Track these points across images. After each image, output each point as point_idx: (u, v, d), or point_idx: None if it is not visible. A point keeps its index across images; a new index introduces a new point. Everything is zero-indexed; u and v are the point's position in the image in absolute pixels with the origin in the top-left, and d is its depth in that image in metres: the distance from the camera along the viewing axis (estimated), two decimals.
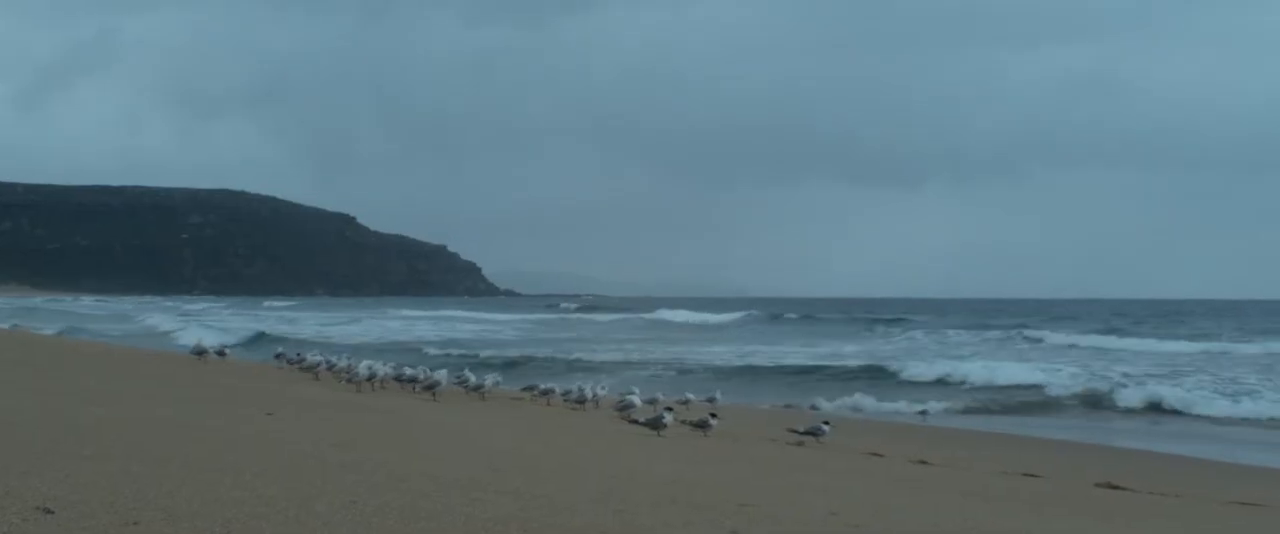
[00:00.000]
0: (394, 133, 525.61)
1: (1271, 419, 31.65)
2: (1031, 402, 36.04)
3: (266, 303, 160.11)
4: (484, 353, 50.84)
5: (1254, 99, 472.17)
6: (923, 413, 32.99)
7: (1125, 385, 37.43)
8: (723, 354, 53.82)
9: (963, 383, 40.21)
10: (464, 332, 77.79)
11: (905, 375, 43.00)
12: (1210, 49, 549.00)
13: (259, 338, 56.57)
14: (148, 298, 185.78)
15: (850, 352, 55.78)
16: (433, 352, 50.62)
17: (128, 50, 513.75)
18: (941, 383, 40.54)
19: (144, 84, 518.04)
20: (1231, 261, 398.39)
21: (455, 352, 51.77)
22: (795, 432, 19.15)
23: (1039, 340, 67.04)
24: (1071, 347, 61.62)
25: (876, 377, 42.78)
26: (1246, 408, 33.10)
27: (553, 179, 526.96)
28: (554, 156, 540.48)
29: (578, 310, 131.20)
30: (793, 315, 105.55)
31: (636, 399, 21.71)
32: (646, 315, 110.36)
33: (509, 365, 33.99)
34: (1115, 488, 15.65)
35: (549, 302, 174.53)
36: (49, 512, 7.23)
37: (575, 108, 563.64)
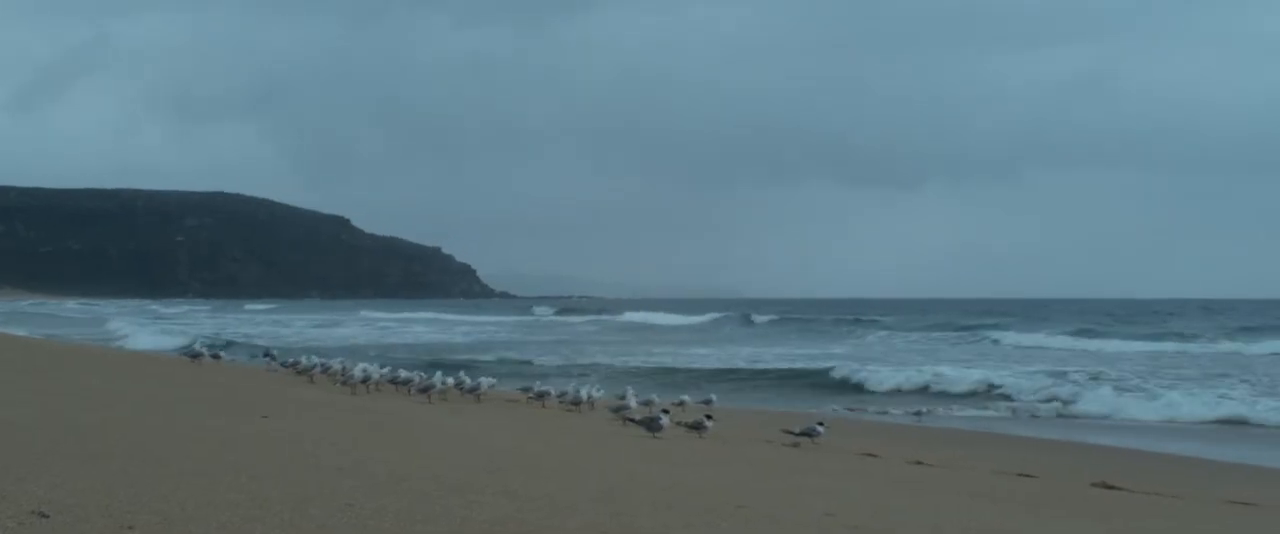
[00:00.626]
0: (389, 135, 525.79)
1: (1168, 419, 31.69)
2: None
3: (247, 306, 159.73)
4: (427, 356, 49.73)
5: (1253, 100, 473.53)
6: (918, 413, 32.97)
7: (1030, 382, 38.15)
8: (661, 356, 53.49)
9: (898, 390, 39.58)
10: (423, 335, 77.10)
11: (838, 374, 42.89)
12: (1209, 50, 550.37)
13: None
14: (135, 301, 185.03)
15: (804, 354, 55.04)
16: (373, 354, 49.91)
17: (123, 53, 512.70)
18: (858, 388, 40.18)
19: (139, 87, 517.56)
20: (1230, 261, 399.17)
21: (404, 354, 50.83)
22: (790, 433, 19.15)
23: (997, 342, 67.37)
24: (1037, 348, 61.97)
25: (818, 381, 42.42)
26: (1152, 408, 33.14)
27: (549, 180, 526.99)
28: (551, 158, 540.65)
29: (559, 313, 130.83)
30: (763, 318, 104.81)
31: (632, 400, 21.70)
32: (618, 318, 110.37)
33: (455, 367, 33.27)
34: (1111, 488, 15.67)
35: (543, 303, 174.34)
36: (44, 516, 7.21)
37: (573, 109, 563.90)
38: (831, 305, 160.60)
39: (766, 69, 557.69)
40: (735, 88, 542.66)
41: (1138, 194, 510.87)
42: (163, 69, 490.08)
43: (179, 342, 58.61)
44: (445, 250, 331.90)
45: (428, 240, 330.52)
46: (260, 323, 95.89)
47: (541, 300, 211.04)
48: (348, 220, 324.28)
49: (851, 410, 34.03)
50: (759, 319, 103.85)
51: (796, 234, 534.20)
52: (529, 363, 49.25)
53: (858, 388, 40.42)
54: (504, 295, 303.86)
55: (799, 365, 47.79)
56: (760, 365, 48.29)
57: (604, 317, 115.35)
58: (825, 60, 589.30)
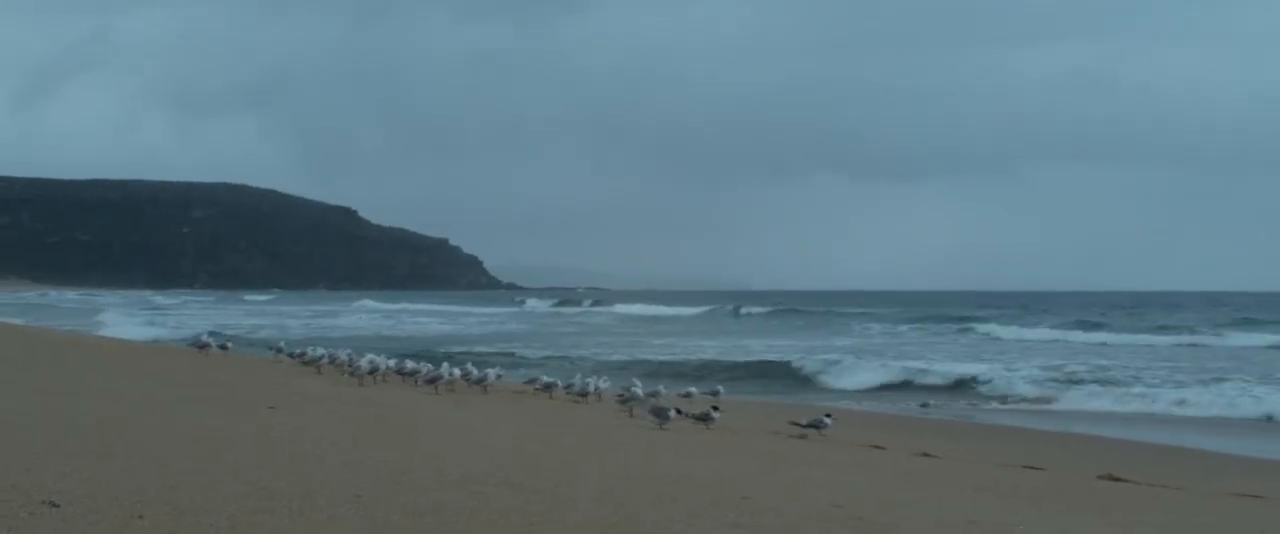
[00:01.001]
0: (394, 129, 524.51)
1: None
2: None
3: (244, 297, 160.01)
4: (418, 348, 48.50)
5: (1254, 96, 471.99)
6: (925, 405, 32.99)
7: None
8: (633, 348, 52.96)
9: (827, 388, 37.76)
10: (416, 328, 76.24)
11: (800, 366, 41.32)
12: (1210, 47, 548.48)
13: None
14: (136, 292, 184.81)
15: (764, 347, 53.84)
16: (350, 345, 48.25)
17: (128, 45, 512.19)
18: (817, 384, 38.69)
19: (144, 79, 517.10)
20: (1230, 257, 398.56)
21: (390, 346, 49.69)
22: (797, 425, 19.18)
23: (989, 335, 66.82)
24: (1028, 341, 61.50)
25: (772, 375, 40.80)
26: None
27: (555, 175, 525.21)
28: (556, 153, 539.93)
29: (558, 304, 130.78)
30: (756, 310, 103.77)
31: (639, 391, 21.74)
32: (609, 310, 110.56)
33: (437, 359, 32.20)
34: (1116, 480, 15.68)
35: (535, 296, 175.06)
36: (55, 506, 7.26)
37: (577, 105, 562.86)
38: (830, 297, 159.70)
39: (767, 67, 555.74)
40: (736, 85, 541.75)
41: (1138, 190, 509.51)
42: (165, 64, 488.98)
43: (155, 332, 58.67)
44: (452, 242, 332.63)
45: (434, 232, 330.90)
46: (254, 315, 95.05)
47: (537, 292, 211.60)
48: (354, 211, 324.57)
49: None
50: (750, 311, 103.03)
51: (799, 229, 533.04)
52: (512, 354, 48.73)
53: (815, 383, 38.85)
54: (511, 286, 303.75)
55: (769, 358, 46.11)
56: (733, 358, 46.68)
57: (597, 308, 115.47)
58: (825, 58, 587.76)
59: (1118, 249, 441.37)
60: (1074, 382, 36.50)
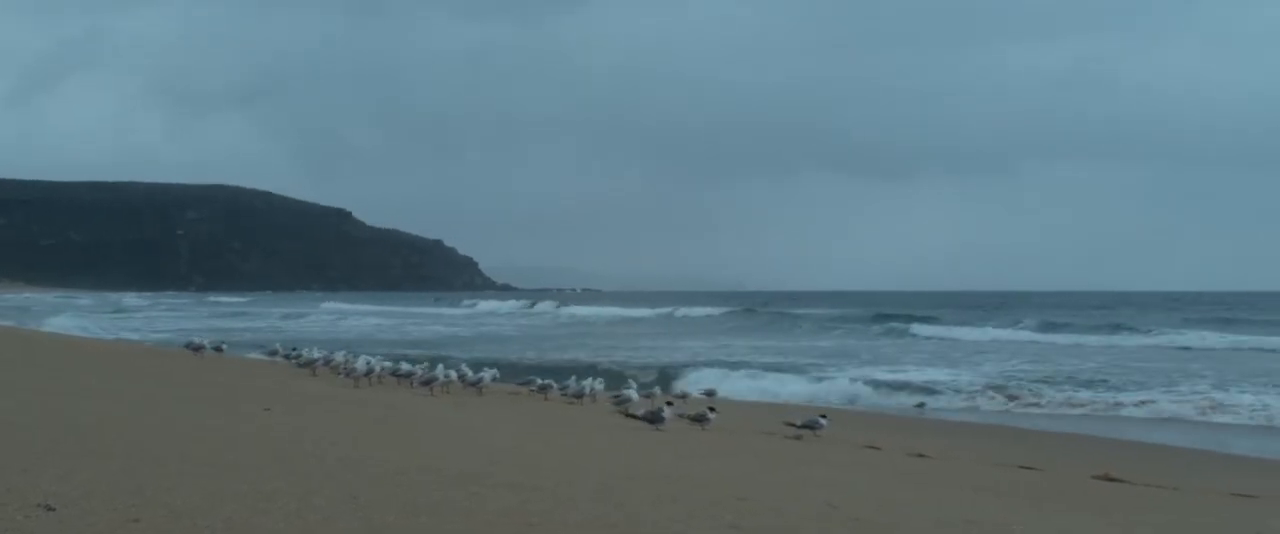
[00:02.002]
0: (390, 129, 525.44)
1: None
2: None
3: (211, 298, 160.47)
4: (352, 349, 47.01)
5: (1254, 95, 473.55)
6: (920, 405, 32.96)
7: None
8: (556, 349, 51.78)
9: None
10: (368, 328, 75.64)
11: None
12: (1210, 47, 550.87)
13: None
14: (117, 294, 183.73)
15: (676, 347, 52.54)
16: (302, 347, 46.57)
17: (121, 46, 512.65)
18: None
19: (138, 80, 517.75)
20: (1229, 256, 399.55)
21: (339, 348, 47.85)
22: (793, 425, 19.19)
23: (914, 335, 65.54)
24: (948, 340, 60.90)
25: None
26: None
27: (550, 174, 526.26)
28: (551, 152, 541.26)
29: (530, 306, 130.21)
30: (697, 312, 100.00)
31: (634, 393, 21.76)
32: (566, 310, 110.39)
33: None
34: (1113, 480, 15.70)
35: (534, 296, 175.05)
36: (50, 509, 7.23)
37: (576, 104, 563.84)
38: (817, 298, 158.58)
39: (767, 67, 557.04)
40: (736, 85, 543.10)
41: (1137, 190, 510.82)
42: (162, 63, 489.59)
43: (94, 335, 58.29)
44: (447, 243, 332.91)
45: (429, 233, 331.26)
46: (212, 317, 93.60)
47: (521, 293, 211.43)
48: (349, 213, 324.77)
49: None
50: (689, 313, 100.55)
51: (798, 229, 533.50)
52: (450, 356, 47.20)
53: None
54: (505, 287, 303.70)
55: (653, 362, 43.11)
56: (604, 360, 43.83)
57: (562, 310, 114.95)
58: (825, 58, 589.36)
59: (1118, 249, 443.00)
60: (994, 387, 34.79)
